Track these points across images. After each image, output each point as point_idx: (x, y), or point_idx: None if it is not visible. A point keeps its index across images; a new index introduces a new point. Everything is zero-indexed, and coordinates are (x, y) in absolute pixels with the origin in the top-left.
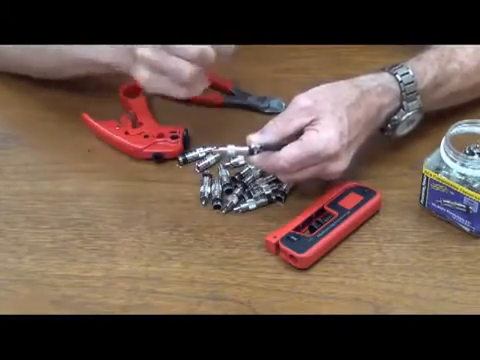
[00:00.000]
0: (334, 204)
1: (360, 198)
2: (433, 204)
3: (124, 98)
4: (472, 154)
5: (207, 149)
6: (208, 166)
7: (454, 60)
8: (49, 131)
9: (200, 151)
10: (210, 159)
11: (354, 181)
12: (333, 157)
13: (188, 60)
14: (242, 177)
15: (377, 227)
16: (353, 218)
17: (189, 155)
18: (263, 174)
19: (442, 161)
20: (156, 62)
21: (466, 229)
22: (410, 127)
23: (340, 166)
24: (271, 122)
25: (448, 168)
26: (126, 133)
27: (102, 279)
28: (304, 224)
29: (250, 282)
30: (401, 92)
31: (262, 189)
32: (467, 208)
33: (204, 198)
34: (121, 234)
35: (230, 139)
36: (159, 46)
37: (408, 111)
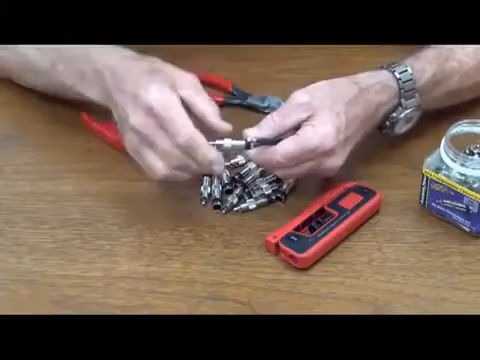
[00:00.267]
0: (334, 204)
1: (360, 198)
2: (433, 204)
3: None
4: (472, 154)
5: None
6: None
7: (453, 58)
8: (49, 131)
9: None
10: None
11: (354, 181)
12: (329, 153)
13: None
14: (242, 177)
15: (377, 227)
16: (353, 218)
17: None
18: (263, 174)
19: (442, 161)
20: (146, 136)
21: (466, 229)
22: (409, 125)
23: (336, 162)
24: (268, 117)
25: (448, 168)
26: None
27: (102, 279)
28: (304, 224)
29: (250, 282)
30: (399, 90)
31: (262, 189)
32: (467, 208)
33: (204, 198)
34: (121, 234)
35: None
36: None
37: (406, 109)
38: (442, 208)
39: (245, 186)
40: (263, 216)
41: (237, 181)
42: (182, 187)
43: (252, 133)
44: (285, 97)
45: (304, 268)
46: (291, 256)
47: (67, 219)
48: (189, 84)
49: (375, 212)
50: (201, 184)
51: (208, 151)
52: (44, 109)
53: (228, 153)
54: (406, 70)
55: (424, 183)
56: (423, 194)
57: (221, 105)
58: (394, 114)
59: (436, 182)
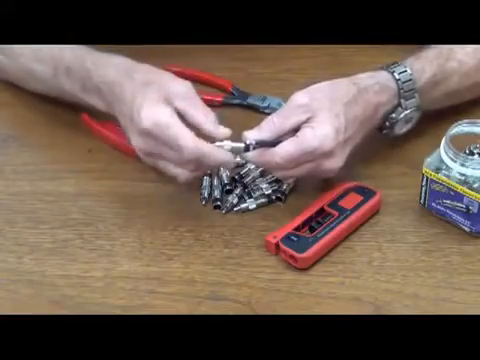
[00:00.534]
0: (334, 204)
1: (360, 198)
2: (433, 204)
3: None
4: (472, 154)
5: None
6: None
7: (453, 59)
8: (49, 131)
9: None
10: None
11: (354, 181)
12: (328, 154)
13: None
14: (242, 177)
15: (377, 227)
16: (353, 218)
17: None
18: (263, 174)
19: (442, 161)
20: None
21: (466, 229)
22: (408, 125)
23: (335, 163)
24: (268, 119)
25: (448, 168)
26: None
27: (102, 279)
28: (304, 224)
29: (250, 282)
30: (399, 90)
31: (262, 189)
32: (467, 208)
33: (204, 198)
34: (121, 234)
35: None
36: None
37: (406, 109)
38: (442, 208)
39: (245, 186)
40: (263, 216)
41: (237, 181)
42: (182, 187)
43: (252, 135)
44: (285, 97)
45: (304, 268)
46: (291, 256)
47: (67, 219)
48: (182, 94)
49: (375, 212)
50: (201, 184)
51: (217, 155)
52: (44, 109)
53: None
54: (405, 70)
55: (424, 183)
56: (423, 194)
57: (221, 105)
58: (394, 115)
59: (436, 182)
